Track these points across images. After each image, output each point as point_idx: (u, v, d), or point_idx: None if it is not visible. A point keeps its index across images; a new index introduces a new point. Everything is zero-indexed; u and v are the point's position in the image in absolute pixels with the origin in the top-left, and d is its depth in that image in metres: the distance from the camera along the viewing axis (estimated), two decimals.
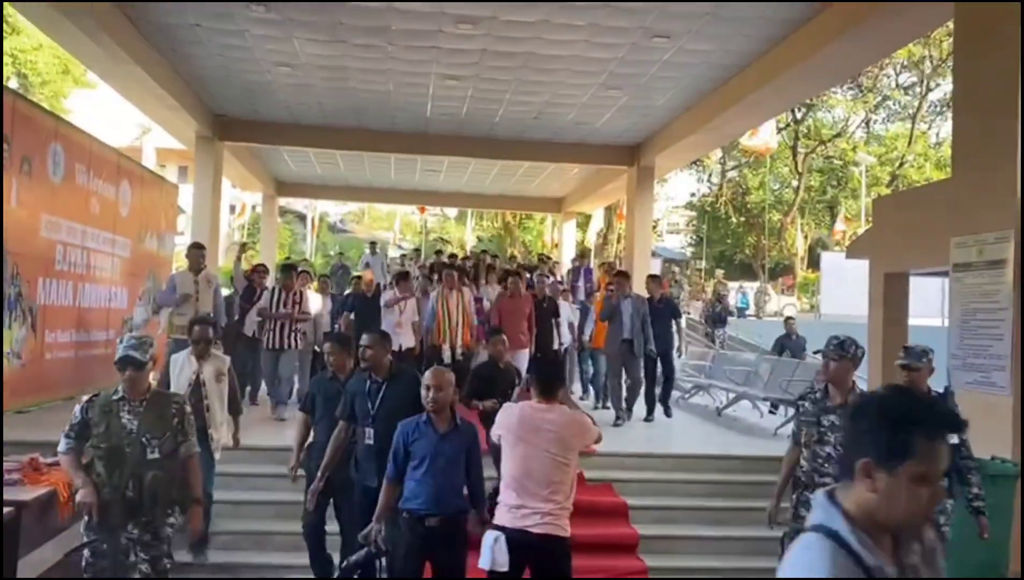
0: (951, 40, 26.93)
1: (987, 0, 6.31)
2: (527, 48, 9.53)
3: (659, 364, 9.58)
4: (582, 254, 16.03)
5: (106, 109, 27.00)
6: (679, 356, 11.02)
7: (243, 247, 12.09)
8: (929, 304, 15.38)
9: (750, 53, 9.52)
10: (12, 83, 26.69)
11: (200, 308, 8.16)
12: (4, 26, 27.62)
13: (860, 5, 7.59)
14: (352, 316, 9.81)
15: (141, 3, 8.63)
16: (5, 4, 7.97)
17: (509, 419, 4.19)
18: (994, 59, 6.19)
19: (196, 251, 8.92)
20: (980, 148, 6.41)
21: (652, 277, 10.52)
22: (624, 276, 9.60)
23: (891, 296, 8.18)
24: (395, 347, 7.15)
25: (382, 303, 9.28)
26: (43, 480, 4.96)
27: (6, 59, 27.94)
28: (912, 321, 8.84)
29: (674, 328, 9.97)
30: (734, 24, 8.65)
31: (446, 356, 8.82)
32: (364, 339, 5.12)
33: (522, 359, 8.72)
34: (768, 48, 9.30)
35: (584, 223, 29.21)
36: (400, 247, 38.37)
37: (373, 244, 21.23)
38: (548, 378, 4.26)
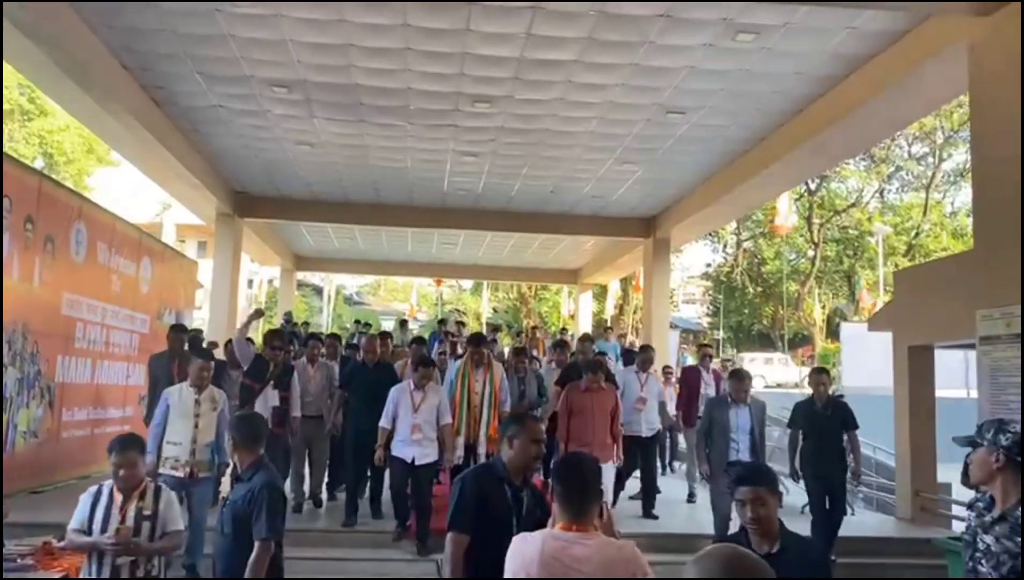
0: (961, 112, 27.25)
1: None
2: (543, 125, 9.67)
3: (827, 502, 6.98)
4: (607, 328, 15.86)
5: (128, 186, 27.58)
6: (851, 510, 8.05)
7: (258, 313, 10.32)
8: (953, 375, 15.15)
9: (764, 127, 9.61)
10: (38, 162, 27.34)
11: (199, 437, 6.02)
12: (32, 108, 28.54)
13: (872, 81, 7.68)
14: (345, 392, 7.79)
15: (167, 87, 8.85)
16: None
17: (524, 561, 2.62)
18: (1010, 126, 6.19)
19: (177, 335, 7.96)
20: (1000, 220, 6.36)
21: (818, 372, 7.64)
22: (740, 377, 7.02)
23: (916, 369, 8.04)
24: (406, 459, 6.67)
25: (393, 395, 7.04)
26: (55, 565, 4.85)
27: (33, 140, 28.75)
28: (936, 393, 8.68)
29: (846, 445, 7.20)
30: (748, 99, 8.75)
31: (457, 455, 7.22)
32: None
33: (606, 476, 6.49)
34: (782, 122, 9.39)
35: (600, 294, 29.22)
36: (416, 319, 38.43)
37: (403, 322, 18.05)
38: (578, 489, 2.71)
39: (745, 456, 6.69)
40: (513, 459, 3.37)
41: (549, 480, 4.84)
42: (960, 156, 32.11)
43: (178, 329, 8.21)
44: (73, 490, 6.84)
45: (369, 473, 7.64)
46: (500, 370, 7.78)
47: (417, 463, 6.74)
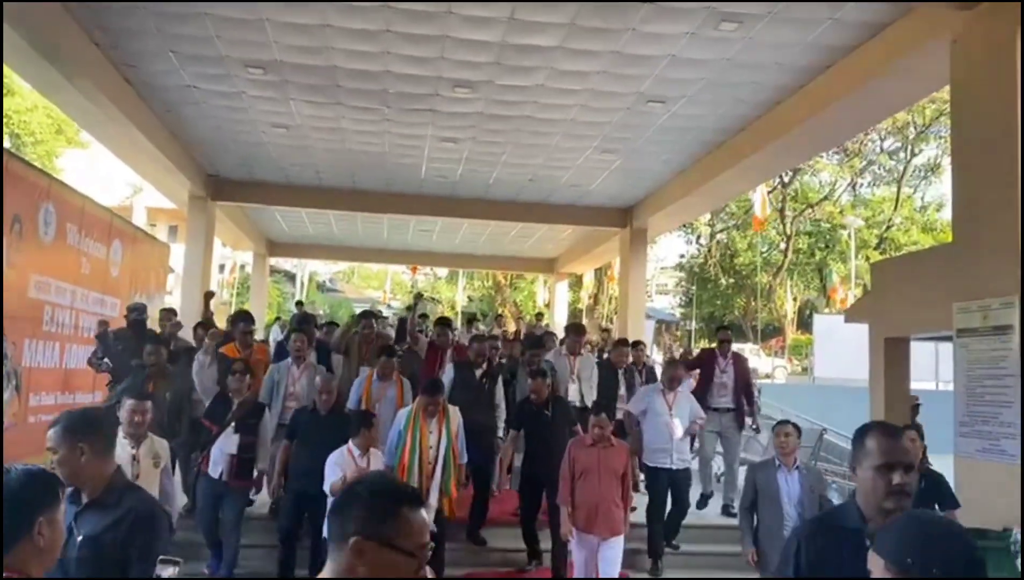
0: (933, 107, 27.53)
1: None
2: (523, 112, 9.58)
3: None
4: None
5: (98, 168, 27.11)
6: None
7: (208, 295, 9.99)
8: (922, 368, 15.37)
9: (743, 117, 9.60)
10: (5, 143, 26.77)
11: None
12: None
13: (853, 73, 7.69)
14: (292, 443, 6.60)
15: (139, 66, 8.65)
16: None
17: None
18: (992, 119, 6.22)
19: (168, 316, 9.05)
20: (980, 212, 6.40)
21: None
22: (797, 428, 5.95)
23: (892, 360, 8.08)
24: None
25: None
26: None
27: None
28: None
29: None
30: (728, 90, 8.74)
31: None
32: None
33: (615, 550, 6.00)
34: (761, 113, 9.39)
35: (576, 284, 29.25)
36: (390, 306, 38.24)
37: (299, 304, 16.88)
38: None
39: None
40: None
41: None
42: (931, 151, 32.55)
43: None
44: None
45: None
46: (458, 417, 6.54)
47: None
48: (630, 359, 9.27)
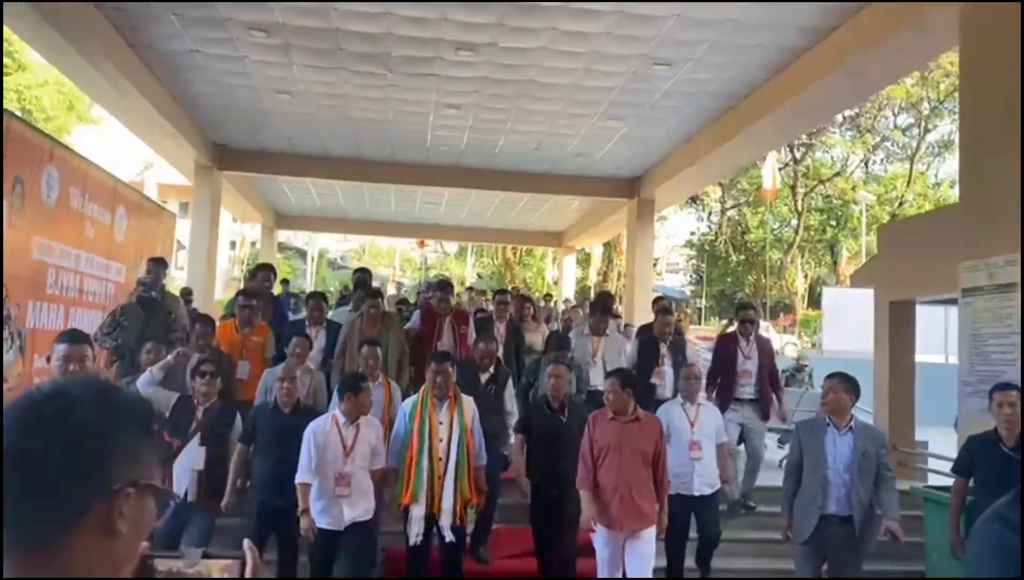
0: (948, 81, 27.19)
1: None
2: (527, 76, 9.50)
3: None
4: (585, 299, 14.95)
5: (109, 145, 27.15)
6: None
7: (184, 293, 9.23)
8: (931, 340, 15.23)
9: (750, 82, 9.49)
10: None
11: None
12: (9, 62, 27.87)
13: (859, 35, 7.57)
14: (250, 448, 5.52)
15: (142, 29, 8.61)
16: (7, 32, 7.90)
17: None
18: (1000, 81, 6.12)
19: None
20: (987, 171, 6.31)
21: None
22: (845, 382, 5.02)
23: (896, 324, 8.04)
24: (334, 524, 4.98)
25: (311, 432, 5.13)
26: None
27: (11, 95, 28.16)
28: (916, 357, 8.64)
29: None
30: (734, 52, 8.63)
31: (413, 532, 5.25)
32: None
33: (646, 544, 5.08)
34: (768, 78, 9.28)
35: (584, 260, 29.16)
36: (400, 283, 38.30)
37: (284, 282, 14.22)
38: None
39: (836, 506, 4.83)
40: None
41: None
42: (945, 127, 32.15)
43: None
44: None
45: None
46: (472, 407, 5.51)
47: (346, 525, 5.03)
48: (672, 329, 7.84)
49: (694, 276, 42.73)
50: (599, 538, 5.09)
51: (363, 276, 9.50)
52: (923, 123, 32.33)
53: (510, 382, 6.68)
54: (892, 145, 34.96)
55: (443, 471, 5.24)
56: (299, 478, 5.01)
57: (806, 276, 35.59)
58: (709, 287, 39.03)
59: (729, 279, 38.64)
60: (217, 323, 7.42)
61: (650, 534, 5.07)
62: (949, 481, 6.20)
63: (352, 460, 5.07)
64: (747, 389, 7.38)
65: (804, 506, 4.96)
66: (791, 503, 5.05)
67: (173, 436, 5.34)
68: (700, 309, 39.08)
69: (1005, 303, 5.93)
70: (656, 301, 9.28)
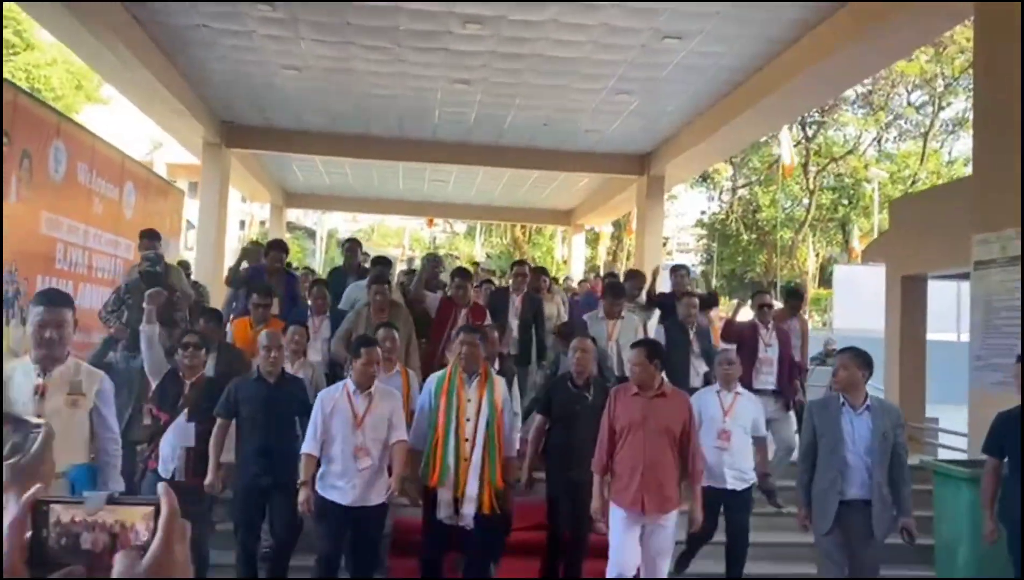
0: (963, 58, 26.84)
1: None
2: (536, 49, 9.41)
3: None
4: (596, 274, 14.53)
5: (118, 125, 27.15)
6: None
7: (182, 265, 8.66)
8: (943, 318, 15.15)
9: (761, 55, 9.37)
10: None
11: None
12: (18, 41, 27.86)
13: (874, 6, 7.44)
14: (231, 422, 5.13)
15: (148, 3, 8.56)
16: (15, 10, 7.85)
17: None
18: (1015, 53, 6.01)
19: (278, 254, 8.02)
20: (1001, 143, 6.22)
21: None
22: (857, 358, 4.71)
23: (909, 299, 7.98)
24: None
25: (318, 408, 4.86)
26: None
27: (20, 74, 28.17)
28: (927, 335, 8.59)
29: None
30: (746, 25, 8.51)
31: (442, 514, 4.90)
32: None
33: (666, 536, 4.70)
34: (780, 51, 9.15)
35: (593, 240, 29.08)
36: (412, 262, 38.28)
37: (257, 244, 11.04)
38: None
39: (859, 490, 4.51)
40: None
41: None
42: (960, 104, 31.77)
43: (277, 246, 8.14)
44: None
45: (266, 532, 5.21)
46: (502, 384, 5.14)
47: (358, 505, 4.68)
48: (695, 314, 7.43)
49: (704, 256, 42.58)
50: (615, 522, 4.67)
51: (375, 259, 9.22)
52: (937, 100, 31.98)
53: (516, 382, 6.17)
54: (905, 123, 34.62)
55: (469, 453, 4.80)
56: (304, 448, 4.75)
57: (817, 255, 35.42)
58: (720, 267, 38.89)
59: (740, 258, 38.48)
60: (229, 319, 7.49)
61: (671, 522, 4.65)
62: (959, 456, 6.17)
63: (362, 431, 4.67)
64: (768, 378, 6.98)
65: (822, 493, 4.59)
66: (807, 490, 4.73)
67: (161, 411, 5.15)
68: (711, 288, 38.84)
69: (1017, 276, 5.85)
70: (674, 271, 8.57)
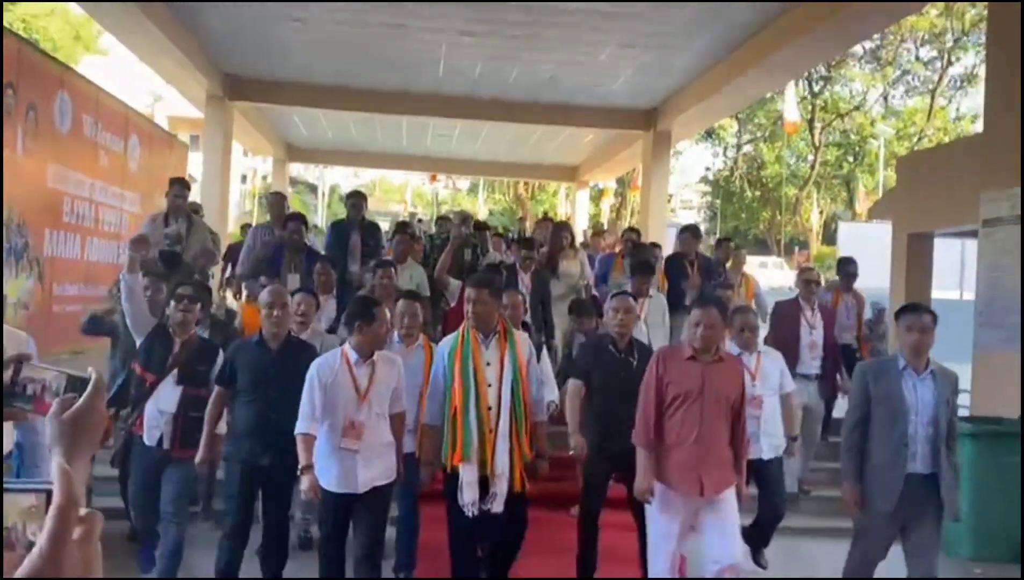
0: (973, 12, 26.45)
1: None
2: (543, 2, 9.28)
3: None
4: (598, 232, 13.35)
5: (117, 76, 26.89)
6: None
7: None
8: (946, 276, 15.18)
9: (770, 11, 9.24)
10: None
11: None
12: None
13: None
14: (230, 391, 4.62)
15: None
16: None
17: None
18: None
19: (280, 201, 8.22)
20: (1012, 102, 6.18)
21: None
22: (933, 318, 4.26)
23: (914, 257, 7.99)
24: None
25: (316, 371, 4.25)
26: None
27: (18, 24, 27.84)
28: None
29: None
30: None
31: (467, 500, 4.20)
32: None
33: (728, 514, 4.15)
34: (789, 6, 9.03)
35: (596, 197, 28.97)
36: (419, 219, 38.18)
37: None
38: None
39: (921, 464, 4.09)
40: None
41: None
42: (969, 60, 31.41)
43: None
44: (65, 364, 6.81)
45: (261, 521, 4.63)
46: (527, 343, 4.54)
47: (364, 490, 4.15)
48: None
49: (708, 213, 42.48)
50: (659, 506, 4.14)
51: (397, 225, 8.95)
52: (946, 55, 31.60)
53: (546, 354, 5.73)
54: (913, 78, 34.27)
55: (495, 423, 4.20)
56: (300, 427, 4.09)
57: (821, 212, 35.33)
58: (723, 224, 38.81)
59: (744, 215, 38.43)
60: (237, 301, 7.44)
61: (732, 499, 4.14)
62: (962, 412, 6.23)
63: (367, 405, 4.12)
64: (814, 364, 6.51)
65: (883, 468, 4.09)
66: (857, 465, 4.18)
67: (147, 371, 4.65)
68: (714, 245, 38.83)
69: None
70: (682, 232, 8.17)
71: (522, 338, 4.48)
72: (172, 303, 4.75)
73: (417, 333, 4.98)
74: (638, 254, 7.81)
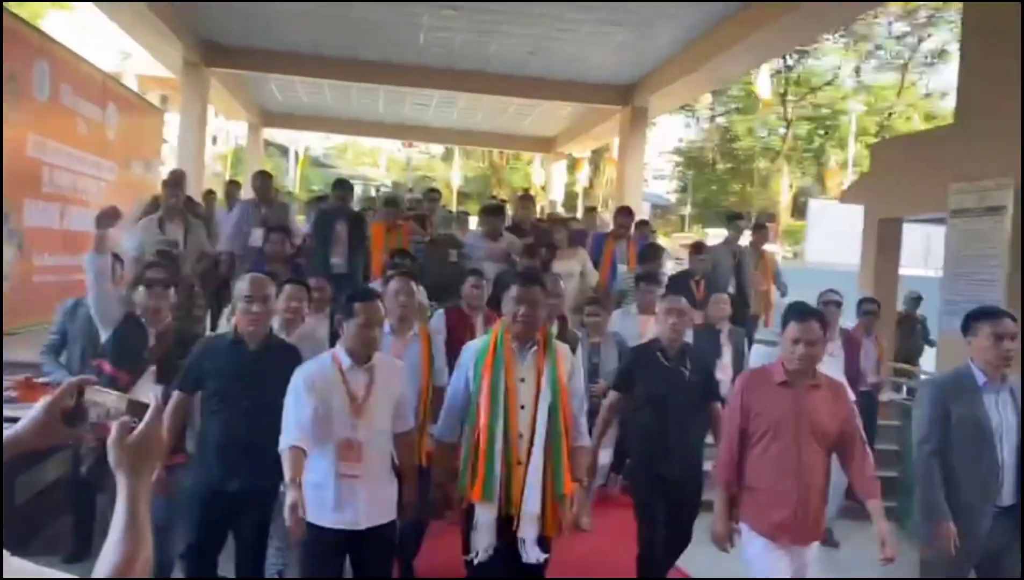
0: None
1: None
2: None
3: None
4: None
5: (85, 32, 26.28)
6: None
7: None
8: (913, 255, 15.58)
9: None
10: None
11: None
12: None
13: None
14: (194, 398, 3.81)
15: None
16: None
17: None
18: (1005, 8, 6.12)
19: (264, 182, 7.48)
20: (984, 94, 6.38)
21: None
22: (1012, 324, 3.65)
23: (884, 242, 8.23)
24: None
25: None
26: (38, 399, 4.93)
27: None
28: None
29: None
30: None
31: (481, 544, 3.39)
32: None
33: (807, 569, 3.57)
34: None
35: (572, 166, 29.05)
36: (385, 185, 38.00)
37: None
38: None
39: (1010, 497, 3.55)
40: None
41: None
42: (942, 35, 31.74)
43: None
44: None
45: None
46: (569, 357, 3.61)
47: (362, 527, 3.31)
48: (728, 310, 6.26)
49: (680, 183, 42.74)
50: (757, 552, 3.50)
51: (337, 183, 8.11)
52: (917, 32, 31.91)
53: (580, 351, 4.95)
54: (885, 54, 34.60)
55: (526, 455, 3.37)
56: (285, 441, 3.20)
57: (791, 186, 35.73)
58: (694, 195, 39.11)
59: (715, 187, 38.75)
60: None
61: (813, 555, 3.55)
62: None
63: (366, 421, 3.31)
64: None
65: (971, 502, 3.52)
66: (937, 498, 3.55)
67: (118, 368, 3.90)
68: (685, 216, 39.21)
69: (991, 226, 6.10)
70: (695, 250, 7.40)
71: (564, 351, 3.61)
72: (141, 288, 4.05)
73: (412, 318, 4.32)
74: (647, 259, 7.05)
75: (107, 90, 9.81)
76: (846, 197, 9.33)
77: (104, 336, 4.06)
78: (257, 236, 6.98)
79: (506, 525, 3.39)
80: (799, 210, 34.43)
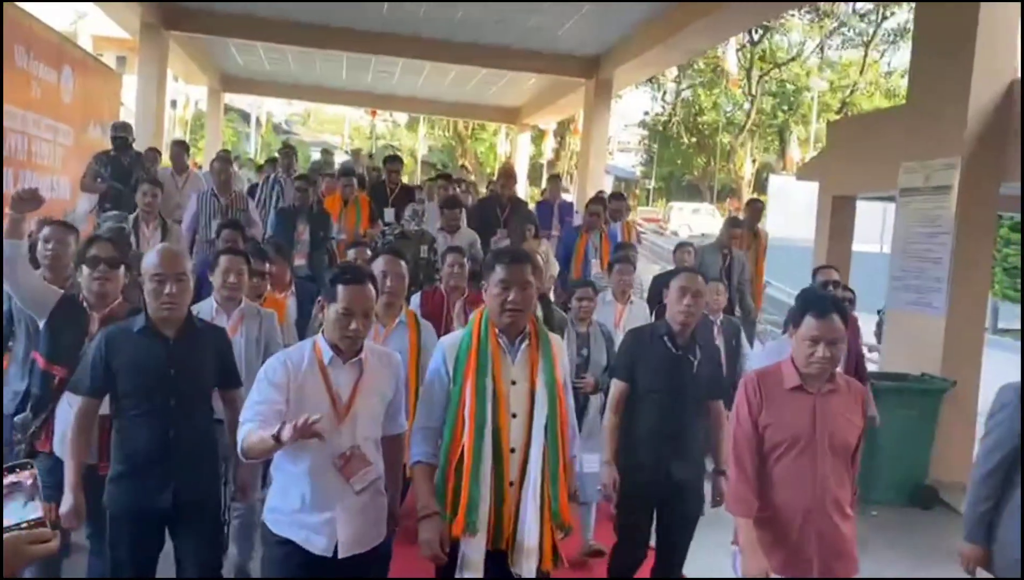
0: None
1: None
2: None
3: None
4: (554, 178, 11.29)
5: None
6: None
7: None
8: (868, 231, 15.91)
9: None
10: None
11: None
12: None
13: None
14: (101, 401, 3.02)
15: None
16: None
17: None
18: None
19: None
20: (935, 75, 6.54)
21: None
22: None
23: (837, 219, 8.42)
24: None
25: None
26: None
27: None
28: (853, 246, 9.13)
29: None
30: None
31: (469, 573, 2.65)
32: None
33: None
34: None
35: (538, 137, 29.05)
36: (346, 153, 37.61)
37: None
38: None
39: None
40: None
41: None
42: (904, 15, 32.12)
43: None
44: None
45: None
46: (563, 350, 3.00)
47: (345, 554, 2.65)
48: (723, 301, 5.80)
49: (645, 156, 42.91)
50: None
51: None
52: (881, 9, 32.24)
53: (567, 338, 4.46)
54: (848, 31, 34.92)
55: (518, 474, 2.74)
56: (244, 423, 2.60)
57: (754, 161, 36.08)
58: (659, 168, 39.33)
59: (679, 161, 38.97)
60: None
61: None
62: (871, 367, 6.73)
63: (351, 425, 2.69)
64: None
65: None
66: (985, 514, 2.96)
67: (53, 363, 3.36)
68: (649, 190, 39.49)
69: (937, 205, 6.29)
70: (679, 249, 6.95)
71: (559, 343, 2.96)
72: (85, 268, 3.39)
73: (400, 302, 3.83)
74: (620, 249, 6.68)
75: (63, 52, 9.60)
76: (801, 174, 9.51)
77: (40, 324, 3.42)
78: (214, 228, 6.50)
79: (497, 561, 2.72)
80: (761, 186, 34.83)
